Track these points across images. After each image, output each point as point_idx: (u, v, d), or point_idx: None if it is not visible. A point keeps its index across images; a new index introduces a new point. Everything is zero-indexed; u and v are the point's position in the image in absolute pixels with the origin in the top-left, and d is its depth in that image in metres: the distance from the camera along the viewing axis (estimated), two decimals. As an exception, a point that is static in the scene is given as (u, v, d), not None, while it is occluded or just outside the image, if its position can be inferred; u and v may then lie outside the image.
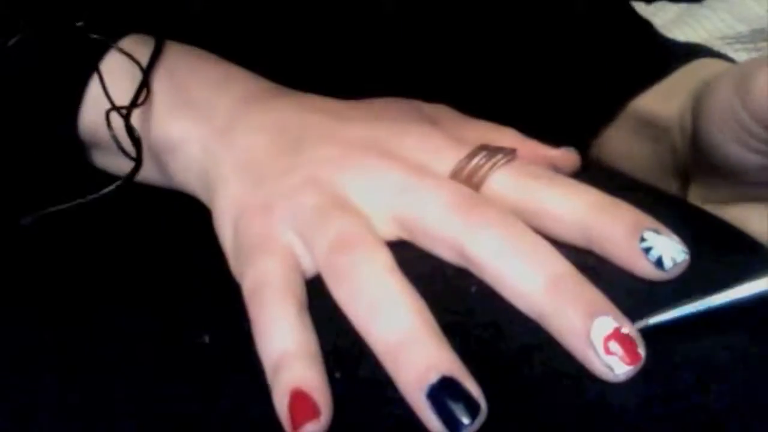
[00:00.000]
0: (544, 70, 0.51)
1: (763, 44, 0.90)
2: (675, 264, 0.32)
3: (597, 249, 0.33)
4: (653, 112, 0.48)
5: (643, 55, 0.51)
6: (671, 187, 0.47)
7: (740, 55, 0.88)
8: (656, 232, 0.32)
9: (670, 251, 0.32)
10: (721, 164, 0.40)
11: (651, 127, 0.48)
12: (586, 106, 0.51)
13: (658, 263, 0.31)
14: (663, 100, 0.48)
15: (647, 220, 0.32)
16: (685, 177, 0.46)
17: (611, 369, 0.29)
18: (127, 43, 0.39)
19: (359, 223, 0.34)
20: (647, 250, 0.32)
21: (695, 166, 0.43)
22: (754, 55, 0.89)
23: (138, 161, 0.37)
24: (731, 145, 0.38)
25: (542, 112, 0.45)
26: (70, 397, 0.34)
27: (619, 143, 0.51)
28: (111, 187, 0.37)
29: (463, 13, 0.49)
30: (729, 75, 0.38)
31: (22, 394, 0.34)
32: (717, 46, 0.90)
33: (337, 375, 0.31)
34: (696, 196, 0.44)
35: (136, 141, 0.37)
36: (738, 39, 0.91)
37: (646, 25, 0.54)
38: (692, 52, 0.51)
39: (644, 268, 0.32)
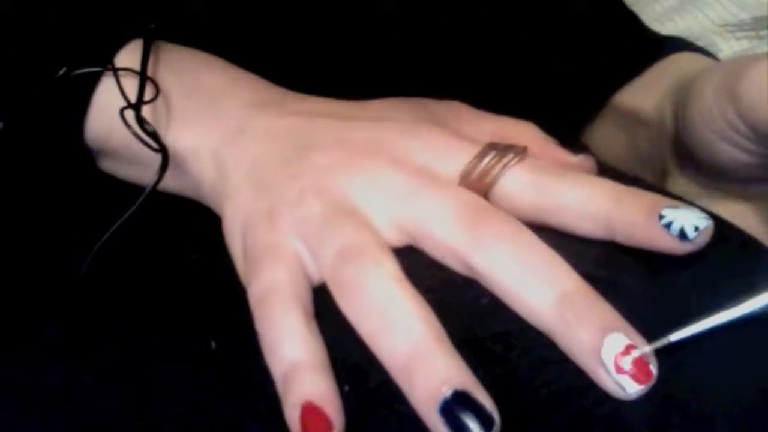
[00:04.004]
0: (528, 65, 0.51)
1: (765, 32, 0.89)
2: (698, 231, 0.31)
3: (619, 237, 0.32)
4: (631, 106, 0.48)
5: (622, 50, 0.51)
6: (646, 178, 0.47)
7: (742, 43, 0.88)
8: (674, 207, 0.32)
9: (691, 220, 0.31)
10: (708, 161, 0.40)
11: (629, 121, 0.48)
12: (568, 101, 0.51)
13: (682, 235, 0.31)
14: (641, 94, 0.48)
15: (664, 199, 0.32)
16: (659, 170, 0.46)
17: (623, 388, 0.29)
18: (131, 49, 0.38)
19: (365, 232, 0.33)
20: (668, 225, 0.31)
21: (677, 161, 0.43)
22: (755, 42, 0.88)
23: (164, 153, 0.36)
24: (719, 143, 0.38)
25: (527, 106, 0.44)
26: (72, 399, 0.34)
27: (599, 135, 0.51)
28: (146, 191, 0.37)
29: (459, 10, 0.48)
30: (716, 73, 0.38)
31: (25, 396, 0.34)
32: (718, 33, 0.90)
33: (346, 388, 0.30)
34: (675, 190, 0.44)
35: (153, 135, 0.36)
36: (740, 26, 0.91)
37: (626, 14, 0.53)
38: (670, 45, 0.50)
39: (669, 244, 0.31)
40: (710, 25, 0.92)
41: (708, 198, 0.42)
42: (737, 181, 0.41)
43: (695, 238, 0.31)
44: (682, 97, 0.41)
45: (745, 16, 0.93)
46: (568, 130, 0.52)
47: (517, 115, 0.41)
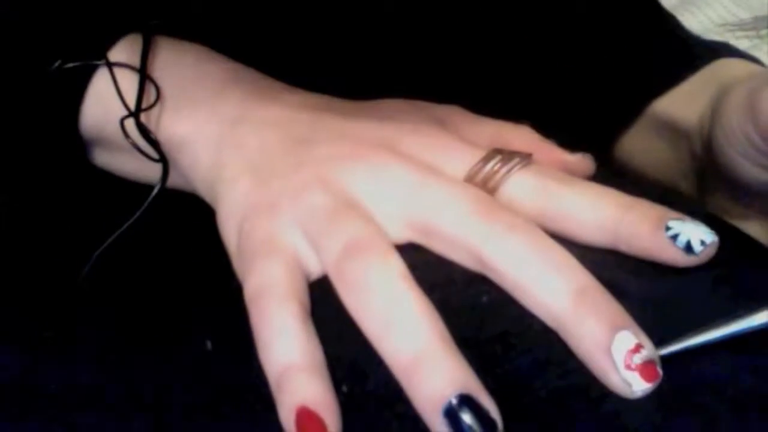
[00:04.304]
0: (562, 71, 0.51)
1: (765, 31, 0.89)
2: (704, 246, 0.31)
3: (624, 247, 0.32)
4: (673, 115, 0.47)
5: (665, 56, 0.50)
6: (689, 190, 0.46)
7: (742, 42, 0.88)
8: (681, 220, 0.32)
9: (698, 234, 0.31)
10: (731, 178, 0.39)
11: (671, 131, 0.47)
12: (606, 108, 0.51)
13: (688, 248, 0.31)
14: (683, 103, 0.47)
15: (670, 211, 0.32)
16: (703, 183, 0.45)
17: (629, 385, 0.28)
18: (127, 43, 0.38)
19: (370, 227, 0.33)
20: (674, 237, 0.31)
21: (713, 175, 0.43)
22: (756, 41, 0.88)
23: (165, 163, 0.36)
24: (741, 161, 0.38)
25: (561, 113, 0.44)
26: (70, 399, 0.33)
27: (637, 142, 0.51)
28: (148, 200, 0.36)
29: (465, 12, 0.48)
30: (743, 86, 0.38)
31: (25, 396, 0.34)
32: (719, 32, 0.90)
33: (344, 389, 0.30)
34: (714, 206, 0.43)
35: (153, 143, 0.36)
36: (740, 26, 0.90)
37: (669, 22, 0.53)
38: (714, 51, 0.50)
39: (674, 256, 0.31)
40: (710, 25, 0.92)
41: (744, 215, 0.42)
42: (762, 198, 0.41)
43: (701, 252, 0.31)
44: (715, 107, 0.40)
45: (745, 15, 0.93)
46: (603, 137, 0.52)
47: (546, 122, 0.40)
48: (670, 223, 0.31)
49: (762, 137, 0.36)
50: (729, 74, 0.46)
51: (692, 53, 0.50)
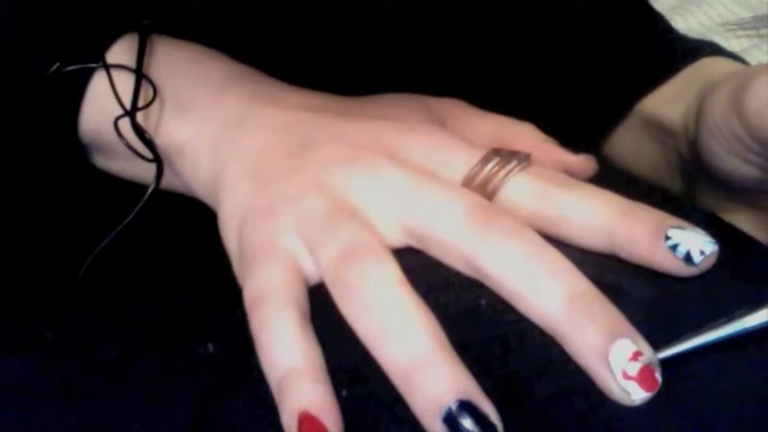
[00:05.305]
0: (550, 70, 0.51)
1: (766, 30, 0.89)
2: (704, 256, 0.31)
3: (623, 254, 0.32)
4: (659, 114, 0.47)
5: (650, 55, 0.50)
6: (677, 189, 0.46)
7: (742, 42, 0.88)
8: (680, 228, 0.31)
9: (698, 244, 0.31)
10: (716, 173, 0.39)
11: (657, 129, 0.47)
12: (594, 107, 0.51)
13: (687, 259, 0.31)
14: (669, 101, 0.47)
15: (670, 218, 0.32)
16: (691, 181, 0.45)
17: (628, 394, 0.28)
18: (126, 43, 0.38)
19: (366, 232, 0.33)
20: (674, 247, 0.31)
21: (700, 173, 0.43)
22: (756, 41, 0.88)
23: (159, 162, 0.36)
24: (726, 156, 0.38)
25: (549, 112, 0.44)
26: (70, 401, 0.33)
27: (626, 142, 0.51)
28: (144, 199, 0.36)
29: (463, 11, 0.48)
30: (728, 84, 0.38)
31: (25, 398, 0.34)
32: (719, 32, 0.89)
33: (344, 393, 0.30)
34: (703, 203, 0.43)
35: (148, 143, 0.36)
36: (740, 25, 0.90)
37: (655, 20, 0.53)
38: (699, 49, 0.50)
39: (673, 266, 0.31)
40: (711, 24, 0.92)
41: (733, 210, 0.42)
42: (750, 193, 0.41)
43: (701, 262, 0.31)
44: (700, 106, 0.40)
45: (745, 14, 0.93)
46: (591, 137, 0.51)
47: (534, 120, 0.40)
48: (670, 232, 0.31)
49: (748, 132, 0.36)
50: (713, 73, 0.46)
51: (677, 52, 0.50)
